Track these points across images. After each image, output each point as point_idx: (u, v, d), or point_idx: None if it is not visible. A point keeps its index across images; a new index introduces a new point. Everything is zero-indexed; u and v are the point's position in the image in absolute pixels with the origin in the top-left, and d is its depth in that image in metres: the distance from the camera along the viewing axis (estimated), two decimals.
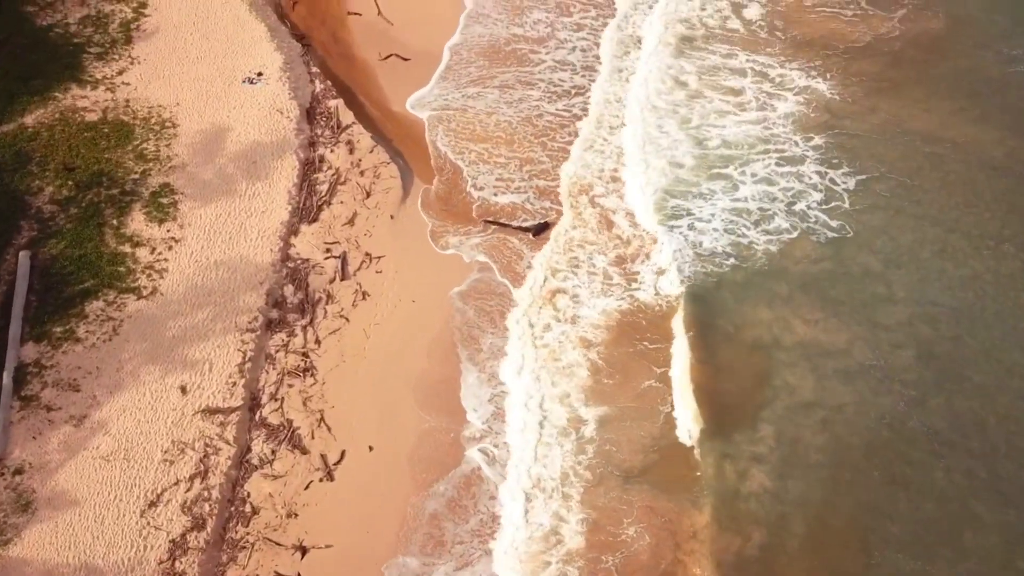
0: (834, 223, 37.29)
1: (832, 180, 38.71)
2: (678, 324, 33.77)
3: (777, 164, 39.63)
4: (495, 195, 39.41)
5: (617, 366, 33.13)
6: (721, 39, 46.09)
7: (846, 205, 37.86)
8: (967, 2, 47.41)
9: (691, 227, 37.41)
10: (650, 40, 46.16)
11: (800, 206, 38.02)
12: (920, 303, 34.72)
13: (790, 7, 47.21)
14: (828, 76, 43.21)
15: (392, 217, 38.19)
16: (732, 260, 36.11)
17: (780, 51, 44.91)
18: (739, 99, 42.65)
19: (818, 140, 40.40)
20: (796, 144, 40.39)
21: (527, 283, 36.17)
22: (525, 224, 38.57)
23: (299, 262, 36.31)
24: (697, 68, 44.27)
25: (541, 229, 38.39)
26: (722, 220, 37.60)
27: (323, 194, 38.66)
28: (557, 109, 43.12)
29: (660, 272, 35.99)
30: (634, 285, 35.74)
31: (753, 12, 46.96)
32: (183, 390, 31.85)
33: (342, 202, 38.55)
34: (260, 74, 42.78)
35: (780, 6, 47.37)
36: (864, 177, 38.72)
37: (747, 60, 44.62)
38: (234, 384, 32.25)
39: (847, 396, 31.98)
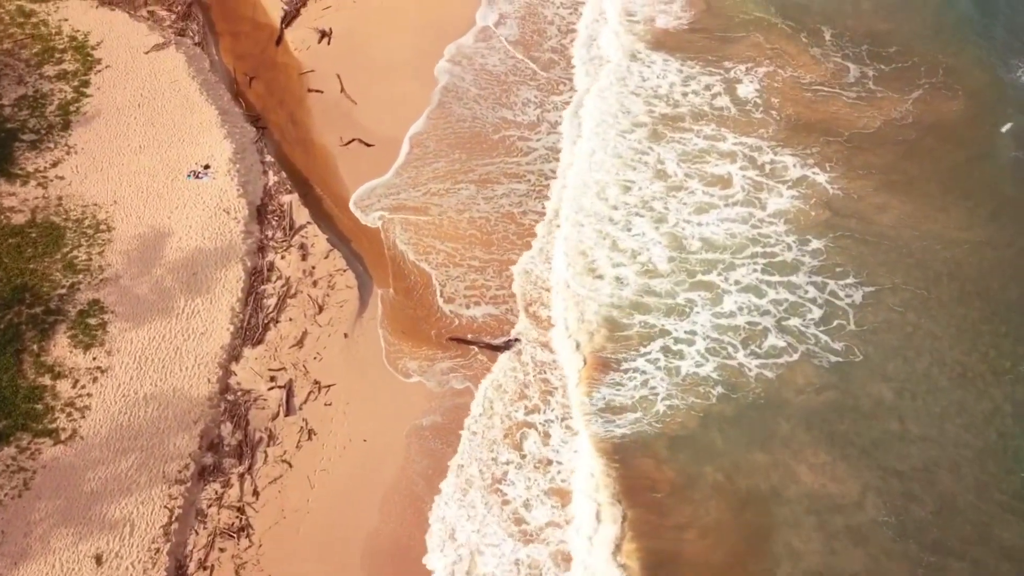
0: (838, 344, 33.45)
1: (834, 293, 34.88)
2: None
3: (766, 271, 35.76)
4: (467, 307, 35.54)
5: None
6: (708, 118, 42.21)
7: (851, 324, 33.95)
8: (988, 72, 43.45)
9: (667, 350, 33.41)
10: (619, 121, 42.33)
11: (795, 323, 34.16)
12: (939, 443, 30.87)
13: (786, 84, 43.49)
14: (829, 167, 39.41)
15: (346, 336, 34.35)
16: (720, 389, 32.18)
17: (773, 134, 41.24)
18: (725, 191, 38.78)
19: (817, 243, 36.57)
20: (790, 247, 36.58)
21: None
22: (494, 341, 34.67)
23: (239, 394, 32.44)
24: (678, 154, 40.38)
25: (510, 345, 34.50)
26: (705, 339, 33.66)
27: (270, 310, 34.83)
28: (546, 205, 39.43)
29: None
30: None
31: (745, 90, 43.18)
32: (98, 560, 27.99)
33: (291, 319, 34.68)
34: (207, 167, 39.03)
35: (775, 82, 43.50)
36: (872, 289, 34.87)
37: (736, 143, 40.85)
38: (157, 551, 28.37)
39: (859, 562, 28.01)
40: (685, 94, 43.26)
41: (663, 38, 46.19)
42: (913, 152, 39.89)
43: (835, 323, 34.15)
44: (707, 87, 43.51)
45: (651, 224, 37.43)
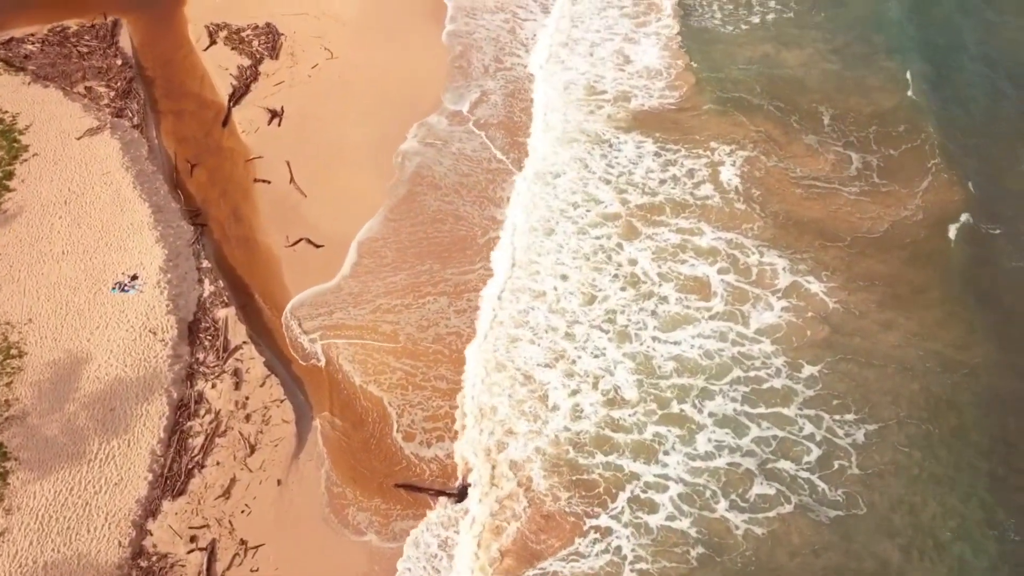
0: (839, 493, 29.69)
1: (832, 430, 30.97)
2: None
3: (750, 402, 31.91)
4: (429, 445, 31.65)
5: None
6: (685, 208, 38.51)
7: (853, 467, 30.07)
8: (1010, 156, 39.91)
9: (635, 500, 29.55)
10: (586, 214, 38.61)
11: (787, 466, 30.28)
12: None
13: (773, 177, 39.68)
14: (826, 276, 35.63)
15: (280, 483, 30.52)
16: (701, 549, 28.34)
17: (759, 232, 37.49)
18: (703, 301, 34.93)
19: (812, 369, 32.73)
20: (780, 372, 32.69)
21: None
22: (447, 488, 30.83)
23: (154, 559, 28.61)
24: (652, 252, 36.60)
25: (466, 493, 30.69)
26: (679, 485, 29.82)
27: (195, 452, 31.00)
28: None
29: None
30: None
31: (727, 179, 39.56)
32: None
33: (218, 463, 30.89)
34: (135, 277, 35.38)
35: (759, 172, 39.76)
36: (876, 426, 31.14)
37: (715, 238, 37.16)
38: None
39: None
40: (662, 181, 39.74)
41: (638, 118, 42.51)
42: (919, 255, 36.19)
43: (835, 466, 30.31)
44: (686, 173, 39.84)
45: (615, 342, 33.53)
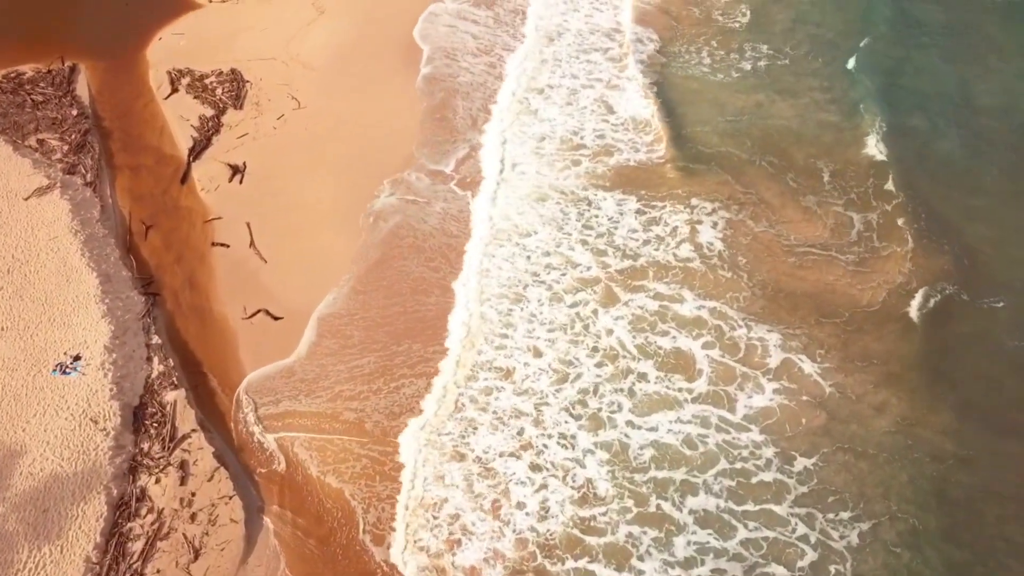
0: None
1: (826, 532, 28.69)
2: None
3: (737, 498, 29.63)
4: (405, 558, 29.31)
5: None
6: (667, 272, 36.32)
7: (848, 573, 27.69)
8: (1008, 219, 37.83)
9: None
10: (561, 277, 36.35)
11: (779, 572, 27.92)
12: None
13: (761, 242, 37.45)
14: (821, 355, 33.37)
15: None
16: None
17: (747, 304, 35.22)
18: (686, 380, 32.67)
19: (805, 461, 30.51)
20: (771, 465, 30.45)
21: None
22: None
23: None
24: (632, 321, 34.37)
25: None
26: None
27: (135, 558, 28.62)
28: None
29: None
30: None
31: (710, 243, 37.36)
32: None
33: (159, 571, 28.51)
34: (78, 358, 33.13)
35: (743, 235, 37.54)
36: (870, 524, 28.95)
37: (698, 306, 34.97)
38: None
39: None
40: (645, 242, 37.60)
41: (620, 173, 40.36)
42: (912, 327, 33.94)
43: (831, 571, 27.97)
44: (670, 233, 37.66)
45: (588, 429, 31.25)
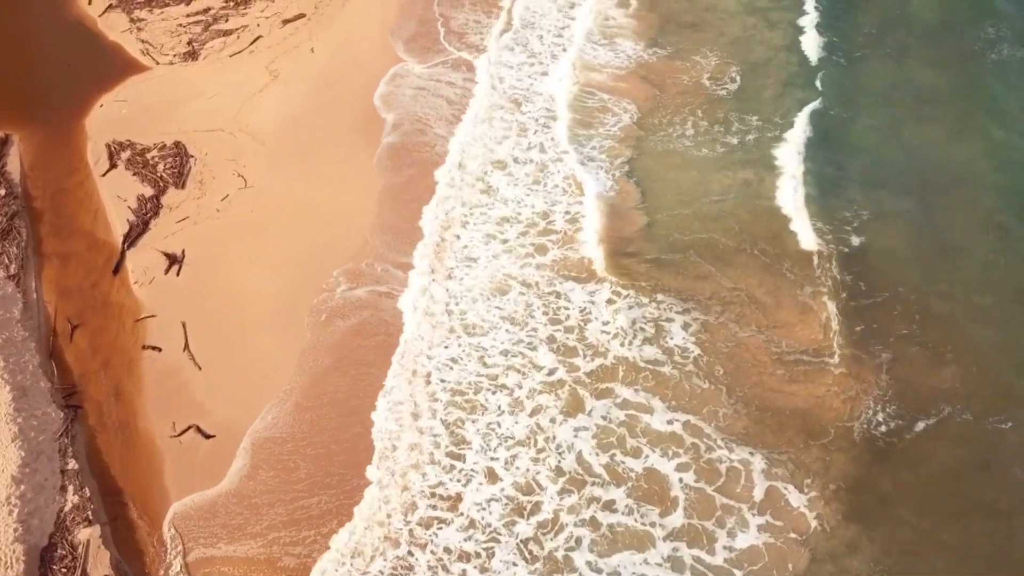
0: None
1: None
2: None
3: None
4: None
5: None
6: (642, 376, 33.31)
7: None
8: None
9: None
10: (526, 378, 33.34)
11: None
12: None
13: (746, 349, 34.47)
14: (807, 483, 30.45)
15: None
16: None
17: (727, 424, 32.33)
18: (660, 514, 29.64)
19: None
20: None
21: None
22: None
23: None
24: (597, 435, 31.35)
25: None
26: None
27: None
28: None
29: None
30: None
31: (684, 346, 34.32)
32: None
33: None
34: None
35: (723, 342, 34.57)
36: None
37: (670, 419, 31.96)
38: None
39: None
40: (615, 335, 34.41)
41: (577, 264, 37.45)
42: (906, 452, 31.10)
43: None
44: (639, 332, 34.57)
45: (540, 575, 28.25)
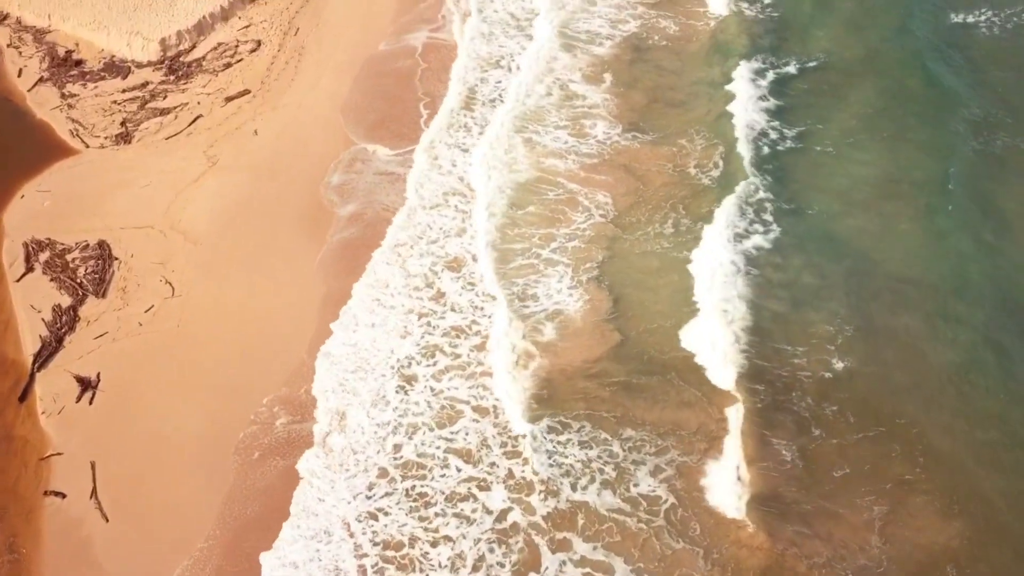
0: None
1: None
2: None
3: None
4: None
5: None
6: (605, 525, 29.78)
7: None
8: None
9: None
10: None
11: None
12: None
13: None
14: None
15: None
16: None
17: None
18: None
19: None
20: None
21: None
22: None
23: None
24: None
25: None
26: None
27: None
28: None
29: None
30: None
31: (653, 488, 30.72)
32: None
33: None
34: None
35: (703, 499, 31.00)
36: None
37: None
38: None
39: None
40: (569, 472, 30.94)
41: (548, 393, 34.00)
42: None
43: None
44: (602, 474, 31.09)
45: None
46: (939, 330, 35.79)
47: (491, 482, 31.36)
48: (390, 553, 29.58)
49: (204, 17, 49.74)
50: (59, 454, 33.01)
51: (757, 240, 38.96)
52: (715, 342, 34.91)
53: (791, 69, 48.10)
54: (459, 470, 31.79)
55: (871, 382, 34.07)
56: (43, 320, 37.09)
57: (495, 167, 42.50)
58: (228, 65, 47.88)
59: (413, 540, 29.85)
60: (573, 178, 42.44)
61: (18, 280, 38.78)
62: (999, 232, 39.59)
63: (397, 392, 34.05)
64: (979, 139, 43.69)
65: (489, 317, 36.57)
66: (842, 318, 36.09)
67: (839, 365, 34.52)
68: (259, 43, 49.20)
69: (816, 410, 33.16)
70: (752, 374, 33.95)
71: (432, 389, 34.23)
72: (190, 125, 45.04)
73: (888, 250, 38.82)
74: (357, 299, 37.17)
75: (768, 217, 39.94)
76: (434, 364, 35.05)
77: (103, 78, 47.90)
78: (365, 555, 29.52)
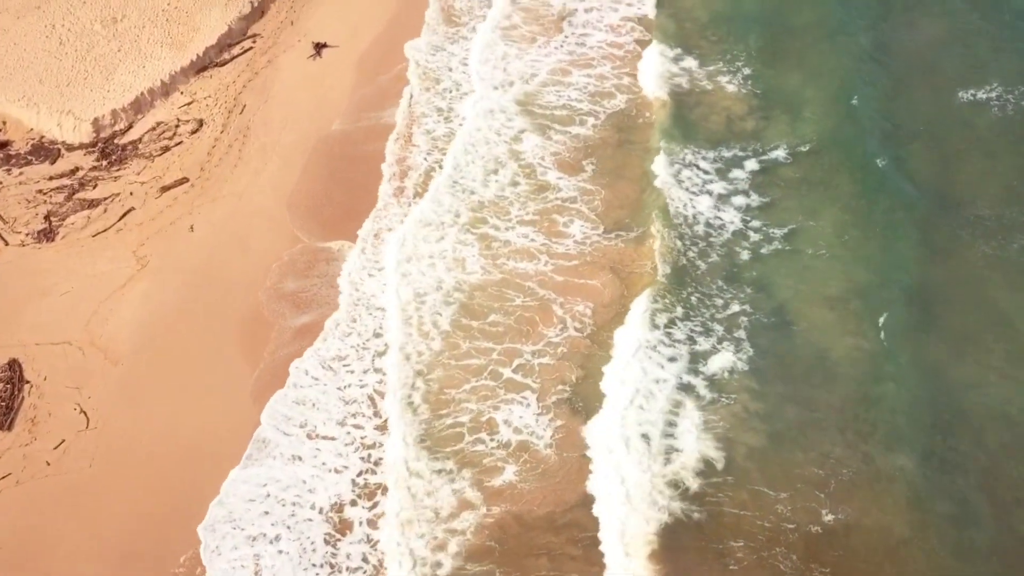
0: None
1: None
2: None
3: None
4: None
5: None
6: None
7: None
8: None
9: None
10: None
11: None
12: None
13: None
14: None
15: None
16: None
17: None
18: None
19: None
20: None
21: None
22: None
23: None
24: None
25: None
26: None
27: None
28: None
29: None
30: None
31: None
32: None
33: None
34: None
35: None
36: None
37: None
38: None
39: None
40: None
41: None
42: None
43: None
44: None
45: None
46: (934, 477, 32.40)
47: None
48: None
49: (143, 93, 46.25)
50: None
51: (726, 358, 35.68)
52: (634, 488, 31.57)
53: (779, 156, 44.62)
54: None
55: (869, 537, 30.68)
56: None
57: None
58: (166, 148, 44.40)
59: None
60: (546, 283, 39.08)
61: None
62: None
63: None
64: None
65: None
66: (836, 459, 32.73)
67: (829, 517, 31.13)
68: (201, 123, 45.71)
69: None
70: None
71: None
72: (120, 220, 41.59)
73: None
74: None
75: (740, 334, 36.59)
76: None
77: (29, 162, 44.43)
78: None
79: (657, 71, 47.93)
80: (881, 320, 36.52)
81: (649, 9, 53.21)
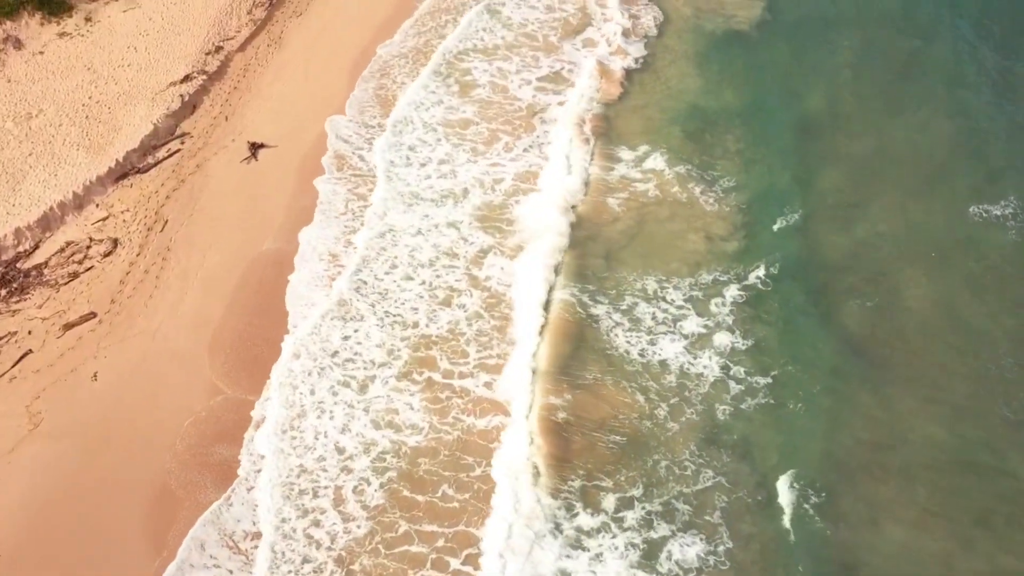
0: None
1: None
2: None
3: None
4: None
5: None
6: None
7: None
8: None
9: None
10: None
11: None
12: None
13: None
14: None
15: None
16: None
17: None
18: None
19: None
20: None
21: None
22: None
23: None
24: None
25: None
26: None
27: None
28: None
29: None
30: None
31: None
32: None
33: None
34: None
35: None
36: None
37: None
38: None
39: None
40: None
41: None
42: None
43: None
44: None
45: None
46: None
47: None
48: None
49: (52, 208, 41.79)
50: None
51: None
52: None
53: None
54: None
55: None
56: None
57: None
58: (74, 275, 39.93)
59: None
60: None
61: None
62: None
63: None
64: None
65: None
66: None
67: None
68: (116, 242, 41.27)
69: None
70: None
71: None
72: (15, 365, 37.04)
73: None
74: None
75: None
76: None
77: None
78: None
79: None
80: None
81: None
